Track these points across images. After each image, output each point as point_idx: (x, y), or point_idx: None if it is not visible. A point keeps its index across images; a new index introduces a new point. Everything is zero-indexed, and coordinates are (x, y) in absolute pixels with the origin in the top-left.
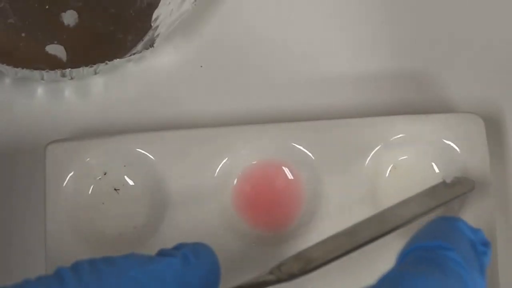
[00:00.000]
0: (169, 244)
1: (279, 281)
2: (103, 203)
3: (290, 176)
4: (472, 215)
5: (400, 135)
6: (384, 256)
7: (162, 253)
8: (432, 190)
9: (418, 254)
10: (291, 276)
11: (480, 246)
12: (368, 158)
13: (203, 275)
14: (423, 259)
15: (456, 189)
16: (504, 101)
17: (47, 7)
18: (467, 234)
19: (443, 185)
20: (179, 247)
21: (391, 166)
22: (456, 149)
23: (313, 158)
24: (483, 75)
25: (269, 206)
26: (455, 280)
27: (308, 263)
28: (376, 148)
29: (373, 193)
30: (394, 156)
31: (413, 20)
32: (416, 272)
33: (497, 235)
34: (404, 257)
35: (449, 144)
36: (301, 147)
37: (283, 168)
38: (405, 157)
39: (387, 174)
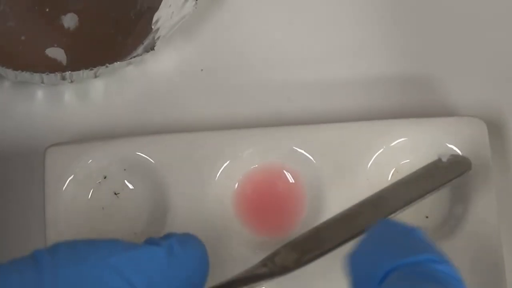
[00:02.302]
0: None
1: (272, 274)
2: (103, 208)
3: (291, 180)
4: (476, 219)
5: (402, 139)
6: None
7: (149, 242)
8: (428, 170)
9: (405, 271)
10: (286, 270)
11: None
12: (370, 162)
13: (189, 267)
14: (412, 277)
15: (452, 168)
16: (507, 105)
17: (47, 10)
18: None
19: (439, 163)
20: (166, 237)
21: (393, 170)
22: (458, 153)
23: (314, 162)
24: (486, 78)
25: (270, 210)
26: None
27: (303, 253)
28: (378, 152)
29: None
30: (396, 160)
31: (416, 23)
32: None
33: (501, 239)
34: (386, 277)
35: (452, 148)
36: (302, 151)
37: (285, 172)
38: (407, 161)
39: (389, 178)
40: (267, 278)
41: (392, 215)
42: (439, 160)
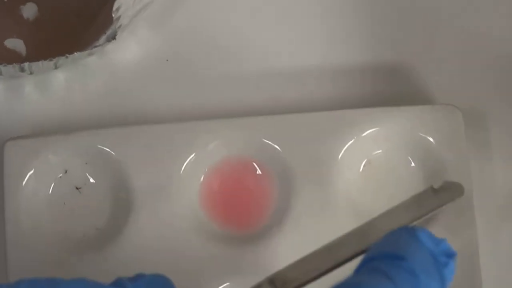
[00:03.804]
0: (133, 245)
1: None
2: (64, 203)
3: (259, 172)
4: (451, 209)
5: (374, 129)
6: None
7: (116, 284)
8: (419, 198)
9: (373, 264)
10: None
11: (442, 257)
12: (341, 153)
13: None
14: (377, 270)
15: (444, 195)
16: (483, 93)
17: None
18: (427, 244)
19: (431, 191)
20: (136, 278)
21: (365, 160)
22: (432, 142)
23: (283, 153)
24: (461, 66)
25: (238, 203)
26: None
27: (284, 285)
28: (350, 142)
29: (346, 188)
30: (368, 150)
31: (389, 11)
32: (369, 282)
33: (477, 230)
34: (360, 268)
35: (425, 137)
36: (270, 142)
37: (252, 163)
38: (379, 151)
39: (361, 169)
40: None
41: None
42: (431, 187)
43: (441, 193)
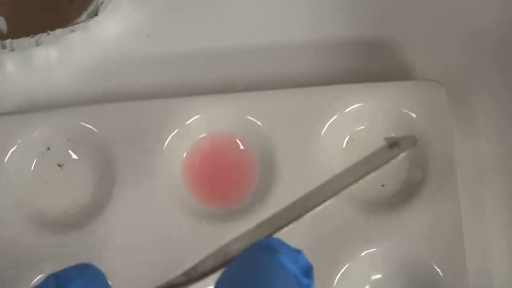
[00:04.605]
0: (116, 222)
1: (190, 281)
2: (46, 181)
3: (242, 148)
4: (435, 186)
5: (357, 105)
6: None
7: None
8: (372, 155)
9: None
10: (204, 274)
11: (303, 278)
12: (324, 129)
13: None
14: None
15: (397, 149)
16: (466, 68)
17: None
18: (289, 267)
19: (386, 148)
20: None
21: (348, 136)
22: (415, 118)
23: (266, 129)
24: (446, 42)
25: (220, 179)
26: None
27: (225, 257)
28: (332, 118)
29: (329, 165)
30: (351, 127)
31: None
32: None
33: (460, 204)
34: None
35: (409, 113)
36: (253, 118)
37: (235, 140)
38: (362, 127)
39: (344, 145)
40: (184, 284)
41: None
42: (386, 145)
43: (395, 148)
